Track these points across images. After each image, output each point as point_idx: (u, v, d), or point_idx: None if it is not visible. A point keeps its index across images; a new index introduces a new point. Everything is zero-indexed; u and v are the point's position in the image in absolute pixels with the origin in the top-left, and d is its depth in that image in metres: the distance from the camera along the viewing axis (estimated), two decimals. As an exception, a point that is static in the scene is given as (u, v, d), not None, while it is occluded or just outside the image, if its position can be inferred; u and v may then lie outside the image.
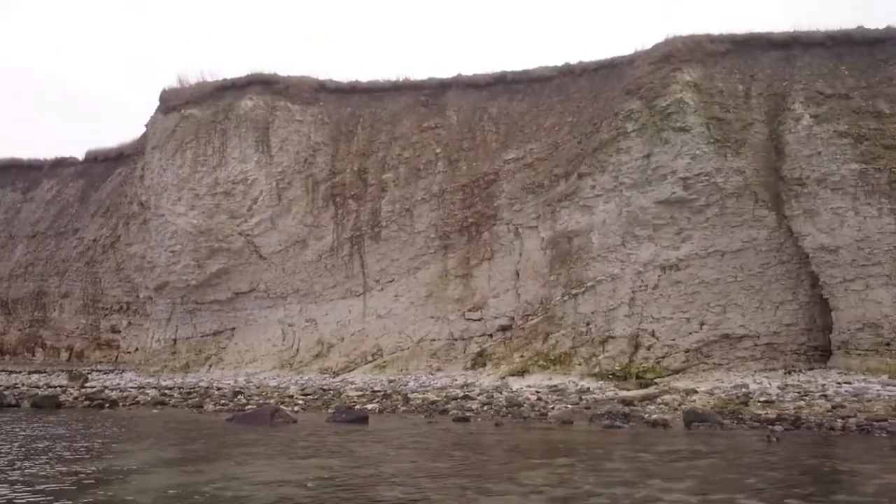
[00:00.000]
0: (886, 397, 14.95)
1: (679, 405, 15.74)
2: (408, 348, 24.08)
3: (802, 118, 20.23)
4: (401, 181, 25.55)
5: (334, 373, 23.94)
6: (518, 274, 23.24)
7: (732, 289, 20.25)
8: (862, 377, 17.37)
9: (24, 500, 7.20)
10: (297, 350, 25.82)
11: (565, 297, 21.72)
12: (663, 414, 14.95)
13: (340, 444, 11.59)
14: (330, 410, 16.84)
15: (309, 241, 26.16)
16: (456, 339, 23.61)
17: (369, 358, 24.35)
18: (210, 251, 26.36)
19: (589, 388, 18.42)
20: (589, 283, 21.32)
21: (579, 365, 20.49)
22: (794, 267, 20.16)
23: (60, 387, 24.26)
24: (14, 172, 37.69)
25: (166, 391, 22.18)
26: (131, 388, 23.49)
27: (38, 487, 7.86)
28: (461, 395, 18.73)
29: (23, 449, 10.93)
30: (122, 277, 31.79)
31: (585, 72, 24.94)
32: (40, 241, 34.93)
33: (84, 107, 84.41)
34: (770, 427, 12.86)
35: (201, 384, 23.42)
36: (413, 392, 19.68)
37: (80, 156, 36.47)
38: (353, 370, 24.01)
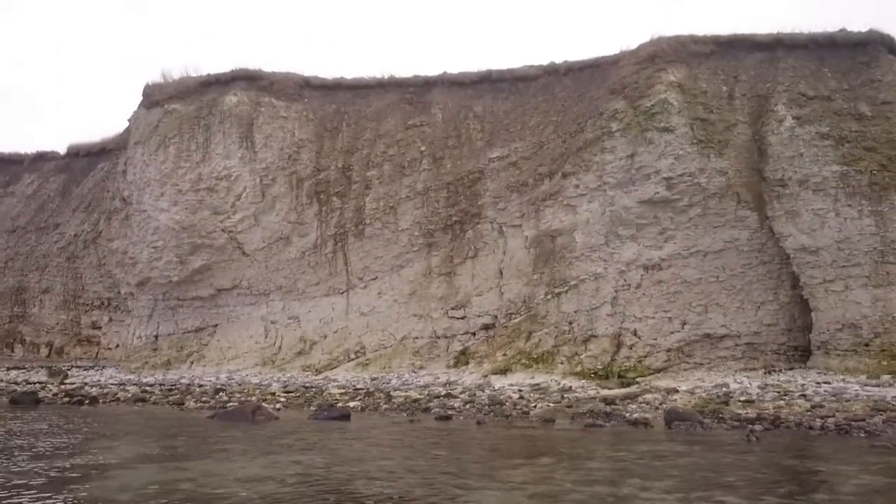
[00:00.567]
0: (865, 397, 15.09)
1: (660, 404, 15.82)
2: (391, 346, 24.05)
3: (785, 120, 20.37)
4: (385, 179, 25.50)
5: (317, 370, 23.87)
6: (501, 272, 23.27)
7: (714, 289, 20.38)
8: (841, 377, 17.53)
9: (1, 497, 7.13)
10: (280, 347, 25.71)
11: (548, 296, 21.77)
12: (644, 413, 15.02)
13: (322, 442, 11.57)
14: (312, 408, 16.80)
15: (292, 238, 26.05)
16: (439, 338, 23.60)
17: (352, 356, 24.30)
18: (192, 247, 26.19)
19: (571, 387, 18.47)
20: (572, 283, 21.37)
21: (561, 364, 20.54)
22: (775, 267, 20.32)
23: (40, 383, 24.03)
24: (-6, 166, 37.30)
25: (147, 388, 22.02)
26: (112, 384, 23.30)
27: (16, 483, 7.79)
28: (443, 393, 18.72)
29: (1, 445, 10.83)
30: (104, 273, 31.54)
31: (570, 71, 24.97)
32: (20, 235, 34.60)
33: (79, 104, 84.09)
34: (750, 426, 12.94)
35: (183, 381, 23.26)
36: (395, 390, 19.66)
37: (62, 150, 36.19)
38: (335, 368, 23.95)
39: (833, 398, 15.23)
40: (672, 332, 20.29)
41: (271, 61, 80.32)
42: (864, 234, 19.12)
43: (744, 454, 10.32)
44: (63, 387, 22.75)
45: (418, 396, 18.39)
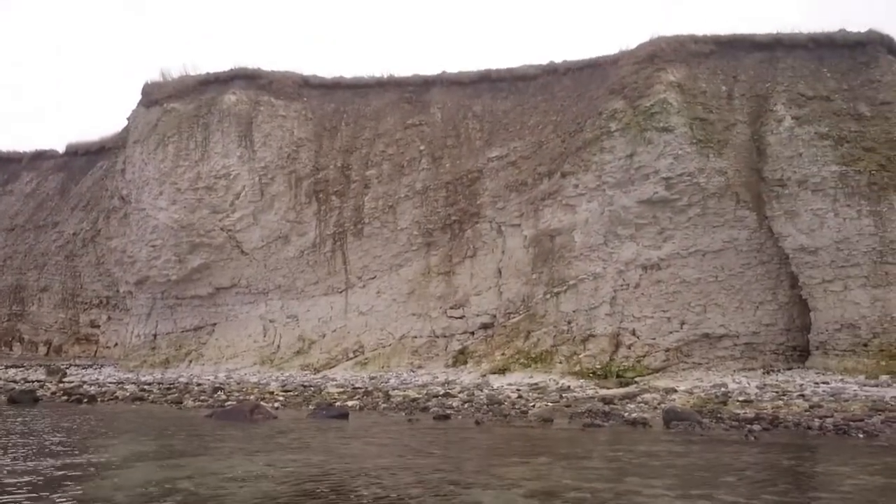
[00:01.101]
0: (863, 397, 15.09)
1: (659, 404, 15.81)
2: (389, 345, 24.04)
3: (784, 120, 20.38)
4: (384, 178, 25.49)
5: (315, 369, 23.86)
6: (500, 272, 23.27)
7: (713, 288, 20.39)
8: (839, 377, 17.55)
9: (-2, 495, 7.12)
10: (278, 346, 25.71)
11: (547, 296, 21.76)
12: (643, 413, 15.00)
13: (320, 441, 11.55)
14: (310, 407, 16.78)
15: (291, 236, 26.04)
16: (437, 337, 23.59)
17: (350, 355, 24.30)
18: (191, 246, 26.18)
19: (569, 387, 18.47)
20: (571, 282, 21.37)
21: (560, 363, 20.54)
22: (773, 267, 20.33)
23: (38, 381, 24.00)
24: (-8, 165, 37.30)
25: (145, 387, 22.00)
26: (110, 383, 23.28)
27: (13, 482, 7.77)
28: (442, 392, 18.71)
29: (-2, 444, 10.81)
30: (102, 272, 31.54)
31: (570, 71, 24.98)
32: (19, 234, 34.60)
33: (78, 103, 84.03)
34: (748, 426, 12.93)
35: (181, 380, 23.26)
36: (394, 389, 19.64)
37: (61, 149, 36.15)
38: (334, 367, 23.94)
39: (831, 398, 15.23)
40: (671, 332, 20.30)
41: (270, 60, 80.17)
42: (862, 235, 19.13)
43: (742, 454, 10.31)
44: (61, 385, 22.73)
45: (417, 396, 18.37)
